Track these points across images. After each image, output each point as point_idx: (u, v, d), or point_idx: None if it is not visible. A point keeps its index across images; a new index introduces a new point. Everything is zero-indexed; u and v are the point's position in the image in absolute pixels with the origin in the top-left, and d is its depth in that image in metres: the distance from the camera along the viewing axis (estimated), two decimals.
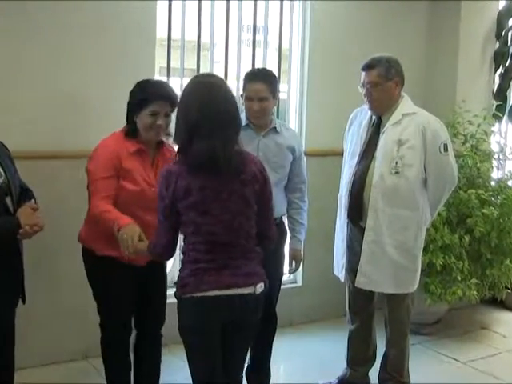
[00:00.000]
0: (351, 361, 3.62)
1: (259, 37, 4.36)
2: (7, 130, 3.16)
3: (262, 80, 3.17)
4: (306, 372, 3.86)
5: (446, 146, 3.24)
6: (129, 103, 2.88)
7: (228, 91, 2.40)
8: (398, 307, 3.42)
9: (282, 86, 4.24)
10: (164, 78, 3.88)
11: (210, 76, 2.56)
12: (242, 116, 3.22)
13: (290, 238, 3.48)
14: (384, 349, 3.53)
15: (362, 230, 3.30)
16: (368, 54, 3.34)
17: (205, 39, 4.12)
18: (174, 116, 2.64)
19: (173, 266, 4.11)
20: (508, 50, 5.06)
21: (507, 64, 5.07)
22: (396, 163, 3.21)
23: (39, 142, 3.53)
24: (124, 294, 2.92)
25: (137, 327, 3.12)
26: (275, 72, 3.57)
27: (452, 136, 4.28)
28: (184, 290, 2.39)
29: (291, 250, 3.46)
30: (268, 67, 4.01)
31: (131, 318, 3.04)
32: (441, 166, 3.24)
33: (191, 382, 2.50)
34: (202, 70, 4.13)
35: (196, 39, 4.08)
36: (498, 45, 5.09)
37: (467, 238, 4.28)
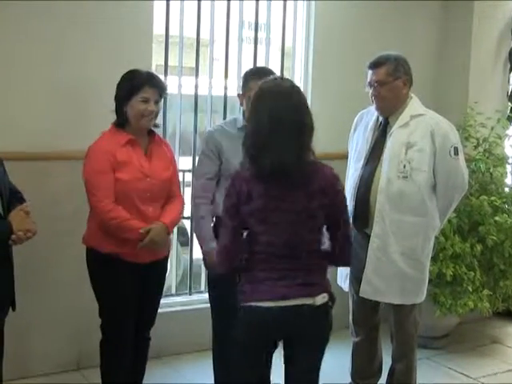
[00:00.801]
0: (356, 375, 3.55)
1: (261, 34, 4.32)
2: None
3: None
4: None
5: (456, 149, 3.17)
6: (117, 95, 2.94)
7: (299, 98, 2.39)
8: (405, 319, 3.33)
9: None
10: (161, 77, 3.75)
11: (280, 81, 2.46)
12: (240, 117, 3.10)
13: None
14: (390, 363, 3.44)
15: (368, 236, 3.22)
16: (375, 53, 3.26)
17: (204, 36, 4.07)
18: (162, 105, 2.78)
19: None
20: None
21: None
22: (404, 167, 3.14)
23: (30, 142, 3.46)
24: (128, 292, 2.96)
25: None
26: (277, 70, 3.45)
27: (463, 139, 4.28)
28: (241, 297, 2.40)
29: None
30: (270, 65, 3.98)
31: (133, 317, 3.03)
32: (450, 171, 3.17)
33: None
34: (202, 68, 4.09)
35: (195, 36, 4.03)
36: None
37: (479, 247, 4.21)
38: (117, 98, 2.94)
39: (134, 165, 2.90)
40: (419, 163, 3.13)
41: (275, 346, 2.48)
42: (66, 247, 3.46)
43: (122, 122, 2.94)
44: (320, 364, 2.50)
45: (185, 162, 4.11)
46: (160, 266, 3.09)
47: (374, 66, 3.19)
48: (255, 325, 2.37)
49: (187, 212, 4.11)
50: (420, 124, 3.17)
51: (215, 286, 3.18)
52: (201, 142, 3.62)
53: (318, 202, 2.36)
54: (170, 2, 3.88)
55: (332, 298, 2.43)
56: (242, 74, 3.20)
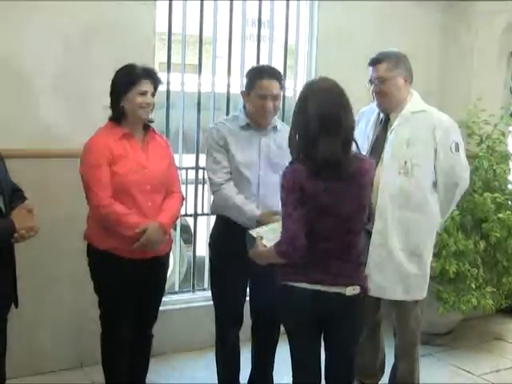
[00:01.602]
0: (358, 373, 3.45)
1: (264, 32, 4.29)
2: None
3: (275, 77, 3.05)
4: None
5: (457, 145, 3.16)
6: (113, 90, 2.96)
7: (343, 95, 2.52)
8: (407, 316, 3.32)
9: (288, 82, 4.18)
10: (164, 74, 3.76)
11: (325, 81, 2.58)
12: (241, 115, 3.08)
13: None
14: (393, 360, 3.44)
15: (369, 233, 3.20)
16: (379, 51, 3.25)
17: (207, 33, 4.04)
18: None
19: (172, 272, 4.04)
20: None
21: None
22: (405, 163, 3.13)
23: (29, 140, 3.44)
24: (125, 287, 2.96)
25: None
26: (281, 68, 3.44)
27: (466, 136, 4.27)
28: (282, 277, 2.56)
29: None
30: (273, 63, 3.95)
31: (131, 312, 3.03)
32: (451, 167, 3.16)
33: None
34: (205, 66, 4.07)
35: (198, 33, 4.00)
36: None
37: (482, 244, 4.21)
38: (113, 93, 2.94)
39: (131, 158, 2.90)
40: (420, 159, 3.12)
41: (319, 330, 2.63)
42: (67, 245, 3.45)
43: (117, 117, 2.95)
44: (354, 353, 2.68)
45: (188, 160, 4.10)
46: (161, 263, 3.07)
47: (375, 62, 3.19)
48: (297, 299, 2.54)
49: (190, 209, 4.14)
50: (421, 120, 3.16)
51: (220, 279, 3.17)
52: (204, 139, 3.61)
53: (367, 191, 2.58)
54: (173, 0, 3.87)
55: (365, 291, 2.59)
56: (246, 72, 3.19)
